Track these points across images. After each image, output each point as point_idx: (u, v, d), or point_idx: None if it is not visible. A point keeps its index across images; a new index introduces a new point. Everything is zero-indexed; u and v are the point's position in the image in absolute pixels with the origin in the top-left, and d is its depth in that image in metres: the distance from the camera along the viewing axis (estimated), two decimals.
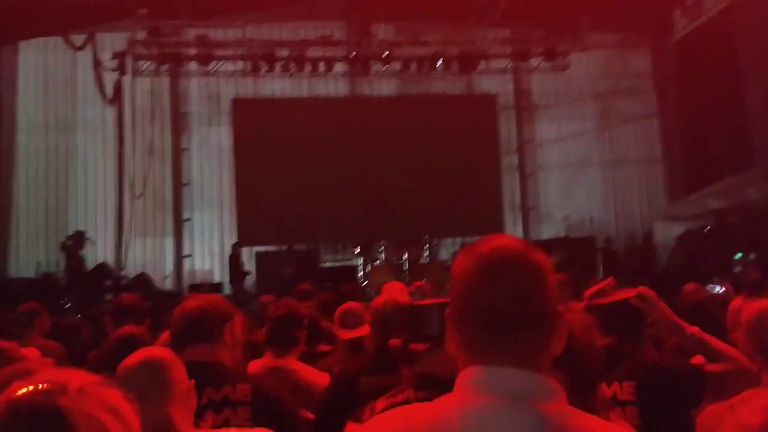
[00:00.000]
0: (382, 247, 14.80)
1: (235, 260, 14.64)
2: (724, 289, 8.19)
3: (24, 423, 0.97)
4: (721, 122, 14.88)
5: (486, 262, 1.27)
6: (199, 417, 2.38)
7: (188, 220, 16.43)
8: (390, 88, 17.27)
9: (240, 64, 15.52)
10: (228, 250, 15.26)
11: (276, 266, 14.53)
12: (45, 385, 1.02)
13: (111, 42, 15.62)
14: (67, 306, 12.83)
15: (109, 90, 15.36)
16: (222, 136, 16.55)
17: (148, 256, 15.98)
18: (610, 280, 2.78)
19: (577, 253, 14.33)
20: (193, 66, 15.39)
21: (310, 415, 3.02)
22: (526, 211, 17.51)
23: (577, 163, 17.56)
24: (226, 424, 2.40)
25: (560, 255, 13.18)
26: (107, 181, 16.08)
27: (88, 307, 10.61)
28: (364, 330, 3.78)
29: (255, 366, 3.50)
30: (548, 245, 13.10)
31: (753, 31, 13.67)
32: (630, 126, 17.79)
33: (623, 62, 17.82)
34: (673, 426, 2.39)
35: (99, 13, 14.67)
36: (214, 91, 16.58)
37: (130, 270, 15.18)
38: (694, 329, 2.54)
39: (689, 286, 6.05)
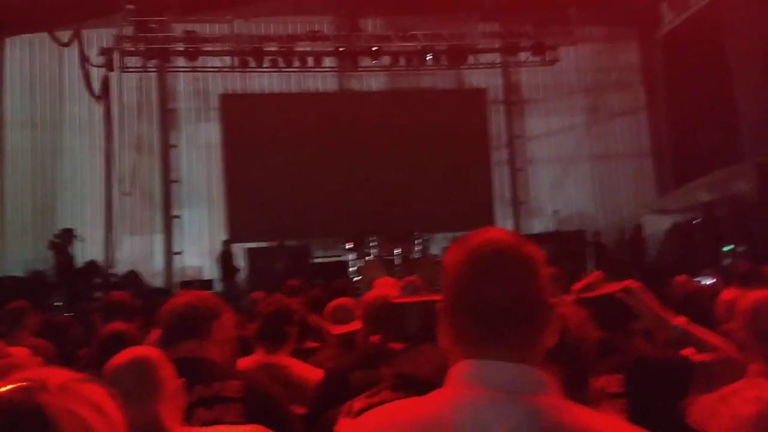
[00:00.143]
0: (374, 243, 14.78)
1: (226, 257, 14.60)
2: (713, 281, 8.24)
3: (5, 421, 0.95)
4: (709, 115, 14.94)
5: (477, 255, 1.26)
6: (189, 414, 2.37)
7: (178, 216, 16.36)
8: (379, 83, 17.25)
9: (228, 60, 15.47)
10: (218, 247, 15.21)
11: (267, 262, 14.52)
12: (25, 382, 1.00)
13: (98, 38, 15.53)
14: (56, 304, 12.78)
15: (97, 86, 15.25)
16: (211, 132, 16.49)
17: (138, 254, 15.91)
18: (597, 273, 2.78)
19: (567, 246, 14.38)
20: (180, 62, 15.30)
21: (302, 410, 3.02)
22: (517, 205, 17.55)
23: (567, 157, 17.60)
24: (218, 420, 2.39)
25: (550, 249, 13.19)
26: (95, 178, 15.98)
27: (78, 304, 10.57)
28: (355, 325, 3.77)
29: (246, 362, 3.48)
30: (538, 239, 13.06)
31: (740, 22, 13.73)
32: (619, 120, 17.85)
33: (612, 56, 17.87)
34: (661, 417, 2.39)
35: (85, 9, 14.58)
36: (202, 86, 16.52)
37: (120, 267, 15.12)
38: (681, 320, 2.54)
39: (679, 278, 6.07)
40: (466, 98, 17.51)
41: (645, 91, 17.81)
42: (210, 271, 15.63)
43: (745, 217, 12.92)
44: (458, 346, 1.26)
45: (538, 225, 16.76)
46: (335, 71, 16.57)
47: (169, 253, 16.21)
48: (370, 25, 15.89)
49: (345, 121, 16.03)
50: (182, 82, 16.55)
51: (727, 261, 12.40)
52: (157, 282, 15.37)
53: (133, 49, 14.65)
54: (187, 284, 13.19)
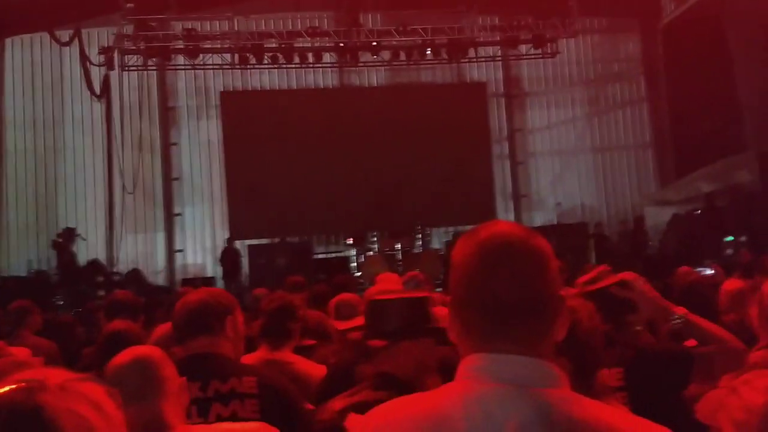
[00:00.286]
0: (375, 238, 14.78)
1: (229, 254, 14.61)
2: (713, 271, 8.22)
3: (4, 422, 0.95)
4: (710, 105, 14.91)
5: (486, 248, 1.25)
6: (206, 410, 2.39)
7: (179, 214, 16.38)
8: (379, 78, 17.23)
9: (228, 57, 15.45)
10: (219, 244, 15.22)
11: (269, 258, 14.52)
12: (24, 383, 0.99)
13: (98, 37, 15.55)
14: (59, 303, 12.80)
15: (97, 85, 15.24)
16: (211, 129, 16.49)
17: (140, 252, 15.94)
18: (603, 266, 2.76)
19: (569, 239, 14.35)
20: (180, 59, 15.30)
21: (309, 407, 3.02)
22: (518, 198, 17.53)
23: (568, 150, 17.59)
24: (234, 416, 2.40)
25: (552, 242, 13.12)
26: (97, 176, 16.01)
27: (82, 303, 10.58)
28: (359, 321, 3.76)
29: (250, 359, 3.48)
30: (540, 232, 13.09)
31: (741, 13, 13.69)
32: (620, 111, 17.84)
33: (612, 47, 17.85)
34: (662, 408, 2.39)
35: (85, 8, 14.57)
36: (202, 84, 16.51)
37: (122, 266, 15.14)
38: (682, 310, 2.53)
39: (682, 269, 6.07)
40: (467, 92, 17.48)
41: (646, 82, 17.78)
42: (212, 268, 15.66)
43: (747, 207, 12.90)
44: (467, 340, 1.25)
45: (540, 218, 16.75)
46: (335, 67, 16.56)
47: (171, 251, 16.23)
48: (370, 20, 15.86)
49: (345, 116, 16.02)
50: (182, 80, 16.55)
51: (728, 251, 12.38)
52: (159, 280, 15.40)
53: (133, 47, 14.63)
54: (189, 282, 13.21)
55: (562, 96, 17.64)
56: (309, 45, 15.18)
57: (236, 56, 15.17)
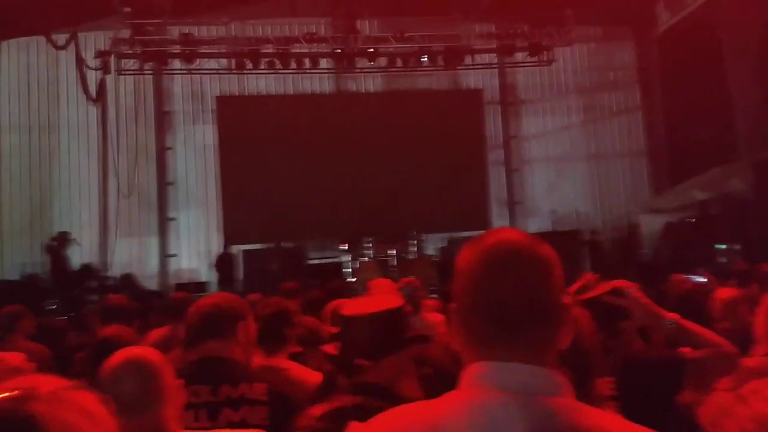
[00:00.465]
0: (369, 243, 14.77)
1: (224, 259, 14.56)
2: (704, 279, 8.22)
3: None
4: (704, 114, 14.97)
5: (493, 255, 1.24)
6: (216, 414, 2.38)
7: (173, 219, 16.34)
8: (375, 84, 17.26)
9: (224, 62, 15.44)
10: (214, 249, 15.18)
11: (263, 264, 14.49)
12: (15, 391, 0.98)
13: (94, 41, 15.53)
14: (52, 308, 12.73)
15: (93, 89, 15.22)
16: (206, 134, 16.47)
17: (134, 256, 15.87)
18: (591, 275, 2.76)
19: (563, 246, 14.32)
20: (177, 64, 15.28)
21: None
22: (513, 205, 17.55)
23: (563, 157, 17.62)
24: (244, 422, 2.38)
25: None
26: (91, 181, 15.97)
27: (75, 308, 10.53)
28: None
29: None
30: None
31: (736, 22, 13.76)
32: (614, 119, 17.90)
33: (607, 56, 17.92)
34: (656, 415, 2.39)
35: (82, 12, 14.54)
36: (198, 89, 16.51)
37: (116, 270, 15.08)
38: (674, 316, 2.53)
39: (676, 277, 6.08)
40: (462, 99, 17.52)
41: (640, 90, 17.86)
42: (206, 273, 15.61)
43: (740, 215, 12.94)
44: (472, 348, 1.24)
45: (534, 225, 16.72)
46: (332, 73, 16.58)
47: (165, 256, 16.18)
48: (367, 26, 15.88)
49: (341, 122, 16.03)
50: (178, 85, 16.55)
51: (721, 259, 12.41)
52: (152, 285, 15.34)
53: (129, 51, 14.64)
54: (183, 286, 13.17)
55: (557, 104, 17.69)
56: (306, 51, 15.18)
57: (233, 61, 15.17)
